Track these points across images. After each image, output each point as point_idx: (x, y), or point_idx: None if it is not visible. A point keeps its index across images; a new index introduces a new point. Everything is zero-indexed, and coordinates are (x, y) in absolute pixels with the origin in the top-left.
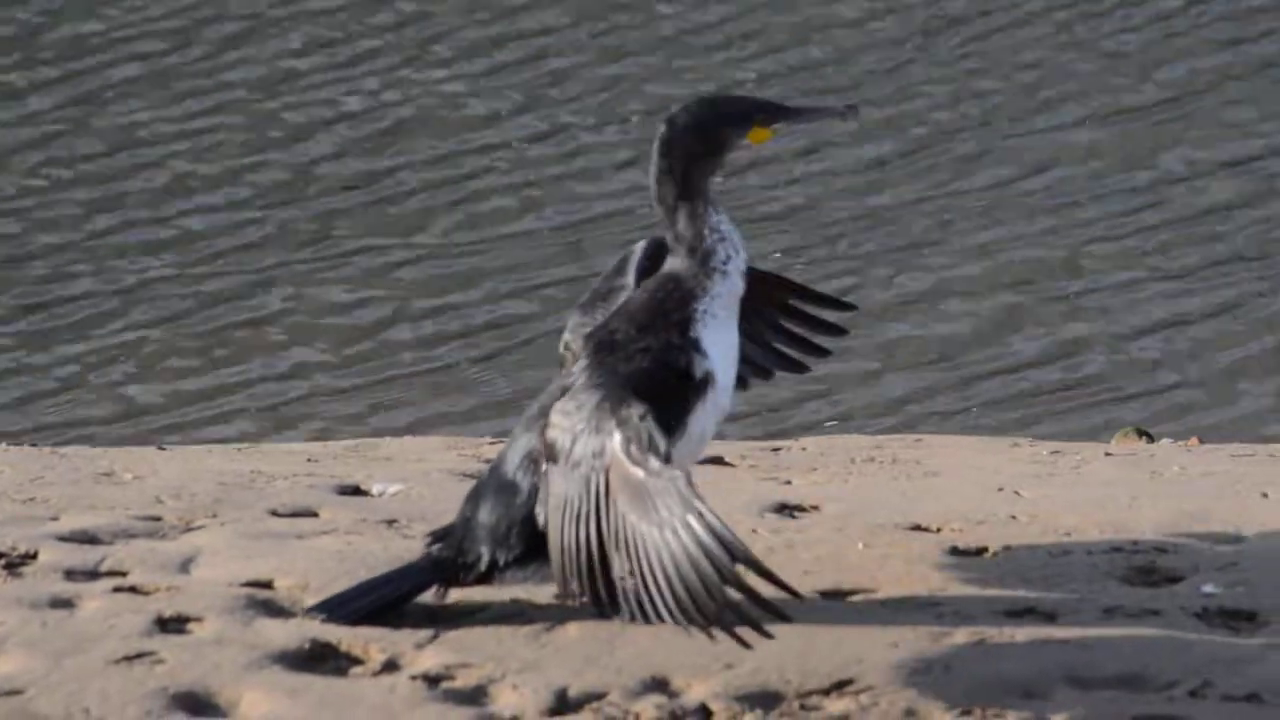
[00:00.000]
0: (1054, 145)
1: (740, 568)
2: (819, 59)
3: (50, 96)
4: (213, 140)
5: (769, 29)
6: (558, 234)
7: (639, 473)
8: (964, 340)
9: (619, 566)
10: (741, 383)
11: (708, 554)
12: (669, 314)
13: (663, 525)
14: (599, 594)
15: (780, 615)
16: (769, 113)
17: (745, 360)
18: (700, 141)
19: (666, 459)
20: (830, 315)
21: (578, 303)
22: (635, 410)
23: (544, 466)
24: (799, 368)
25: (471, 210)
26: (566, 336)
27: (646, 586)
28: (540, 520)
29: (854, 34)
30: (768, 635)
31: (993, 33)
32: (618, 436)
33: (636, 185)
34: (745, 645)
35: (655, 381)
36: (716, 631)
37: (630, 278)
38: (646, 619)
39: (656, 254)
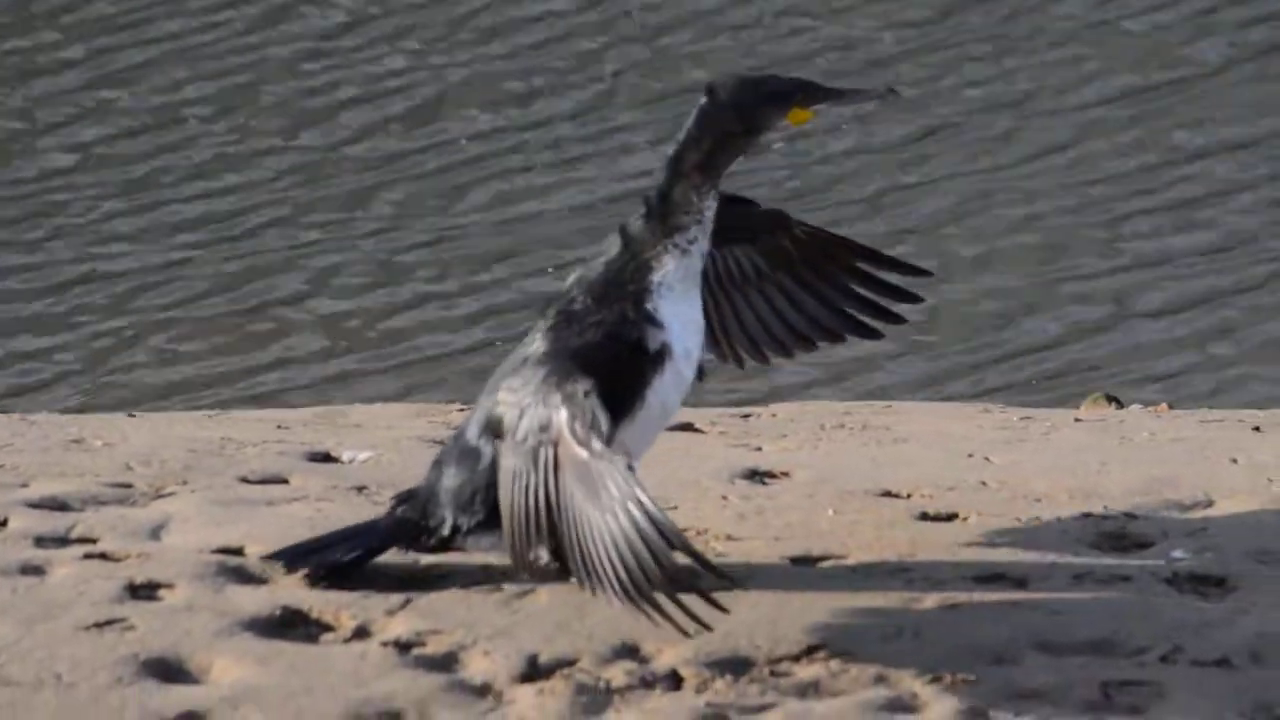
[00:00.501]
0: (1079, 124)
1: (678, 554)
2: (849, 36)
3: (81, 72)
4: (241, 118)
5: (800, 6)
6: (590, 213)
7: (583, 453)
8: (984, 318)
9: (566, 542)
10: (808, 344)
11: (645, 540)
12: (624, 285)
13: (604, 508)
14: (549, 566)
15: (713, 603)
16: (810, 93)
17: (814, 323)
18: (738, 119)
19: (608, 440)
20: (902, 280)
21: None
22: (580, 386)
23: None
24: (871, 333)
25: (503, 187)
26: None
27: (592, 566)
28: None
29: (884, 10)
30: (705, 626)
31: (1023, 11)
32: (563, 413)
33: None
34: (684, 633)
35: (606, 354)
36: (657, 616)
37: None
38: (600, 596)
39: None
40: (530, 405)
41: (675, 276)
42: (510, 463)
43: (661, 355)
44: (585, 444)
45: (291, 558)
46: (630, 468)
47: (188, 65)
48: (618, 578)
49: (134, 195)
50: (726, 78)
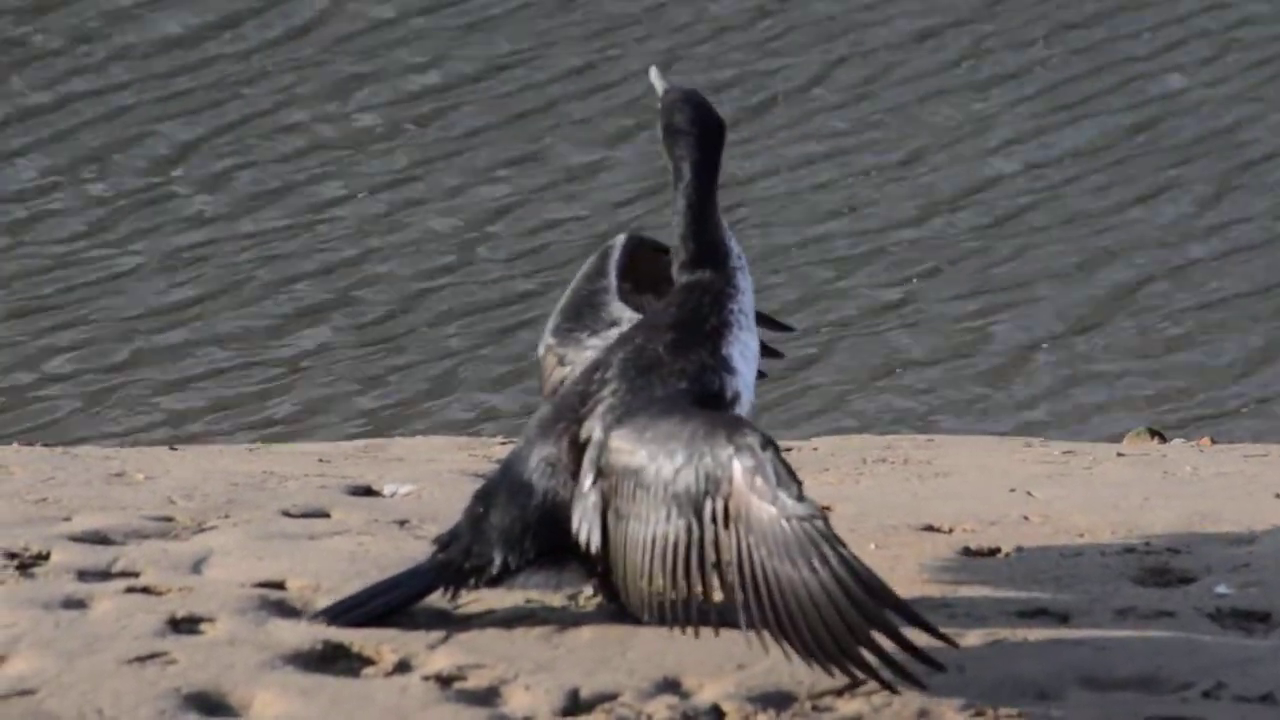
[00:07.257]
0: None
1: (888, 612)
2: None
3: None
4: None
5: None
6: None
7: (769, 508)
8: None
9: (746, 598)
10: None
11: (851, 597)
12: (701, 323)
13: (798, 564)
14: (692, 620)
15: (933, 663)
16: None
17: None
18: (721, 134)
19: (800, 496)
20: (770, 336)
21: (558, 306)
22: (755, 438)
23: (586, 483)
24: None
25: (533, 214)
26: (549, 340)
27: (781, 623)
28: (582, 535)
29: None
30: (920, 685)
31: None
32: (738, 466)
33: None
34: (893, 691)
35: (693, 403)
36: (859, 673)
37: (611, 279)
38: (784, 651)
39: (636, 250)
40: (687, 461)
41: (747, 301)
42: (650, 516)
43: (733, 402)
44: (770, 499)
45: (336, 615)
46: (828, 523)
47: (152, 67)
48: (816, 636)
49: (174, 229)
50: (682, 109)
